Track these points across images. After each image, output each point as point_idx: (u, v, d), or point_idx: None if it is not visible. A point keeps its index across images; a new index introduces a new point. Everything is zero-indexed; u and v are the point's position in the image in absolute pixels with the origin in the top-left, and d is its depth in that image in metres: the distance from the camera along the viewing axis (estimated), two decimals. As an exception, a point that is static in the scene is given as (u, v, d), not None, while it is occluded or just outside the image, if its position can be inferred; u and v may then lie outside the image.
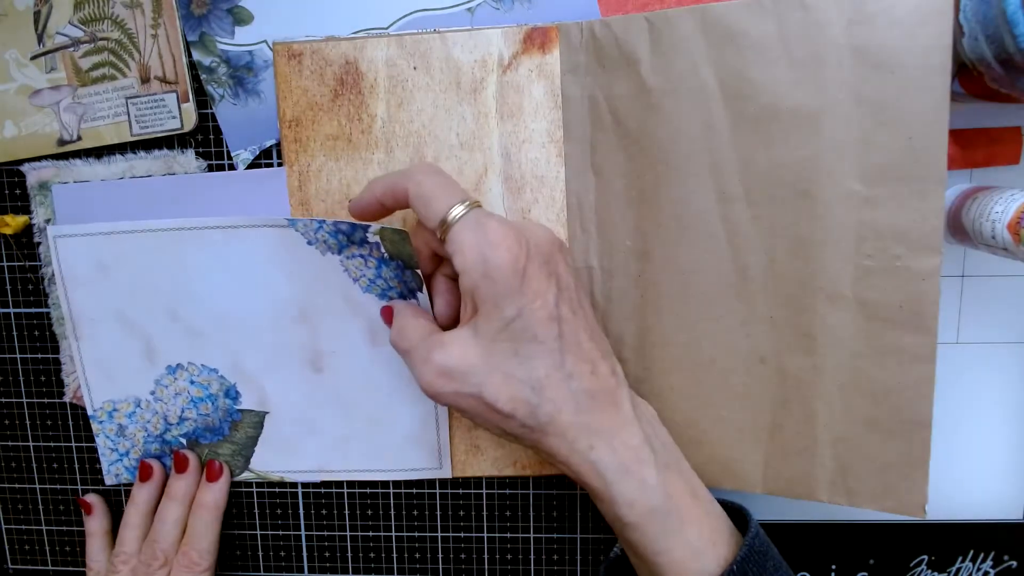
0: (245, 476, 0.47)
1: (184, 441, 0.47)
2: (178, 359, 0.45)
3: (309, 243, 0.41)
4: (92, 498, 0.48)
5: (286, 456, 0.47)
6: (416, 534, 0.49)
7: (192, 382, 0.45)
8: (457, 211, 0.34)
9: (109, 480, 0.48)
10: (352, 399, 0.45)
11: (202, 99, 0.45)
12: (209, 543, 0.46)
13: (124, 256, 0.43)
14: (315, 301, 0.43)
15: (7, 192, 0.46)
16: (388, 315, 0.39)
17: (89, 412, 0.47)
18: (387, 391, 0.45)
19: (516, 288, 0.33)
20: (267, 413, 0.46)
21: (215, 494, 0.47)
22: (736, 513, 0.37)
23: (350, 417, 0.46)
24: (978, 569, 0.47)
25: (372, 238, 0.38)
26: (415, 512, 0.49)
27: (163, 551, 0.45)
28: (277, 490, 0.49)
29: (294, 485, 0.49)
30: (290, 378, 0.45)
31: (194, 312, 0.44)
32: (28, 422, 0.49)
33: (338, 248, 0.41)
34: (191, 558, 0.45)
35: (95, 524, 0.48)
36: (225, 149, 0.45)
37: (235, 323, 0.44)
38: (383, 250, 0.39)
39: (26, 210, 0.46)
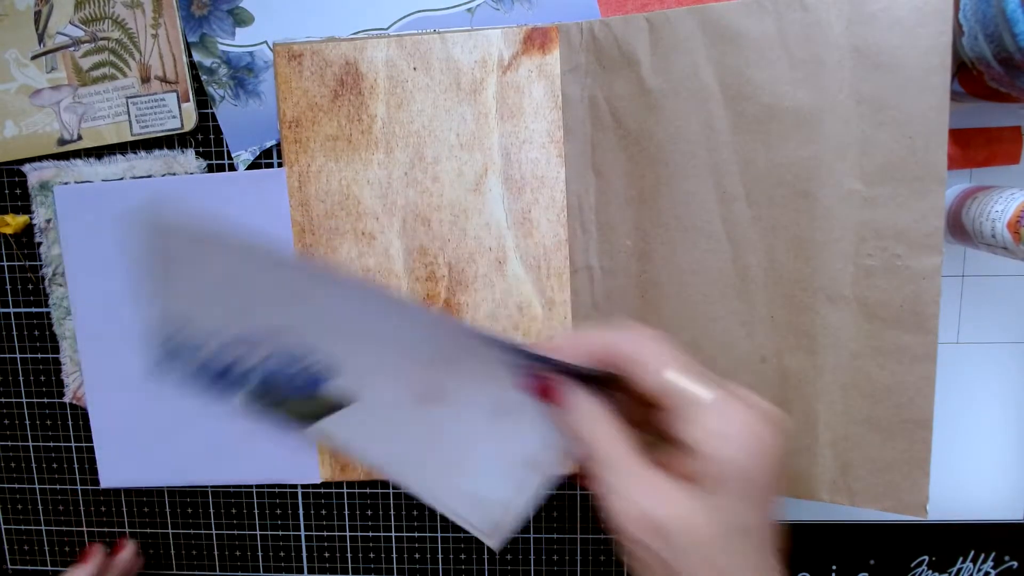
0: (312, 433, 0.44)
1: (255, 384, 0.43)
2: (283, 320, 0.41)
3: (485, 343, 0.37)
4: (96, 550, 0.49)
5: (364, 442, 0.44)
6: (416, 534, 0.49)
7: (287, 341, 0.42)
8: (705, 391, 0.30)
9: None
10: (444, 442, 0.43)
11: (202, 99, 0.45)
12: None
13: None
14: (457, 361, 0.39)
15: (7, 192, 0.47)
16: (553, 393, 0.34)
17: (152, 316, 0.42)
18: (485, 460, 0.42)
19: (770, 489, 0.29)
20: (354, 404, 0.43)
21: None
22: None
23: (432, 454, 0.43)
24: (979, 570, 0.47)
25: (576, 374, 0.35)
26: (415, 512, 0.49)
27: None
28: (277, 490, 0.49)
29: (293, 486, 0.49)
30: (391, 396, 0.42)
31: (304, 312, 0.40)
32: (28, 422, 0.49)
33: (513, 355, 0.37)
34: None
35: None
36: (225, 149, 0.45)
37: (361, 327, 0.40)
38: (586, 379, 0.35)
39: (27, 210, 0.46)
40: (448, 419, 0.42)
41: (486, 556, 0.49)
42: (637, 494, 0.30)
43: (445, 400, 0.41)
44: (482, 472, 0.42)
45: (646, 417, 0.32)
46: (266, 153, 0.45)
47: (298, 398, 0.43)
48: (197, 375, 0.43)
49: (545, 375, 0.35)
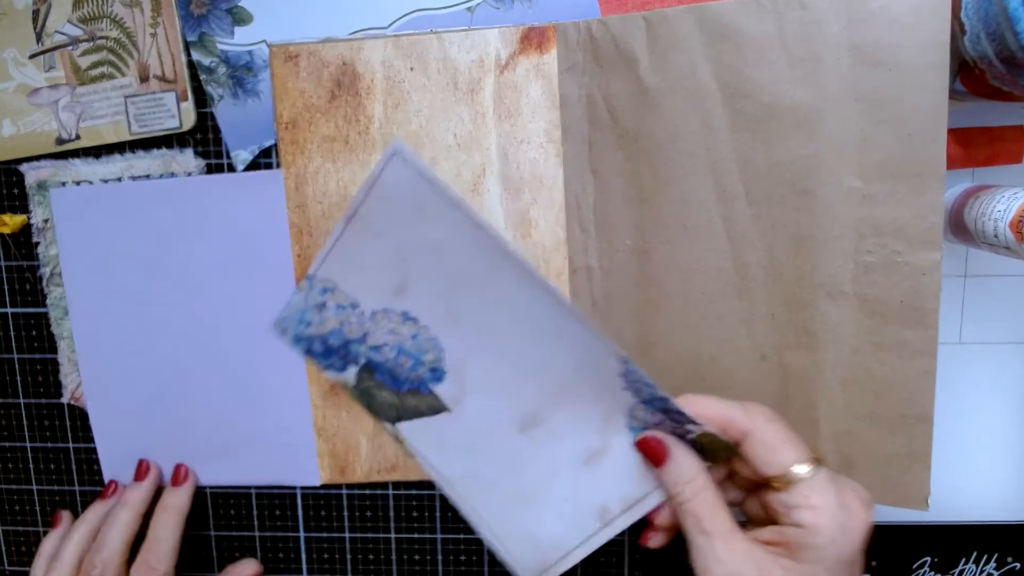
0: (388, 429, 0.44)
1: (363, 366, 0.43)
2: (414, 311, 0.41)
3: (621, 374, 0.37)
4: (64, 515, 0.48)
5: (436, 453, 0.44)
6: (415, 536, 0.49)
7: (414, 336, 0.42)
8: (803, 469, 0.32)
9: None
10: (524, 472, 0.43)
11: (201, 98, 0.45)
12: (169, 547, 0.44)
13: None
14: (578, 389, 0.39)
15: (5, 191, 0.47)
16: (661, 452, 0.36)
17: (311, 269, 0.41)
18: (559, 500, 0.41)
19: (857, 564, 0.32)
20: (448, 412, 0.43)
21: (179, 498, 0.46)
22: None
23: (507, 480, 0.43)
24: (981, 571, 0.46)
25: (690, 435, 0.36)
26: (414, 513, 0.49)
27: (102, 560, 0.43)
28: (276, 491, 0.49)
29: (293, 487, 0.49)
30: (494, 414, 0.42)
31: (464, 309, 0.40)
32: (26, 422, 0.49)
33: (643, 399, 0.37)
34: (149, 563, 0.43)
35: (50, 542, 0.46)
36: (224, 148, 0.45)
37: (489, 340, 0.40)
38: (696, 444, 0.36)
39: (24, 209, 0.47)
40: (540, 449, 0.41)
41: (486, 558, 0.49)
42: (734, 560, 0.32)
43: (546, 429, 0.41)
44: (551, 512, 0.42)
45: (735, 481, 0.35)
46: (265, 152, 0.45)
47: (396, 391, 0.43)
48: (315, 341, 0.43)
49: (660, 432, 0.36)
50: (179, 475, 0.47)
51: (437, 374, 0.42)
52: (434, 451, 0.43)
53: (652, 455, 0.36)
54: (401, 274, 0.41)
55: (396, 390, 0.43)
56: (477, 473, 0.43)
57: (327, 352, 0.43)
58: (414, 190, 0.40)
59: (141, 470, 0.47)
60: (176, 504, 0.46)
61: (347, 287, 0.42)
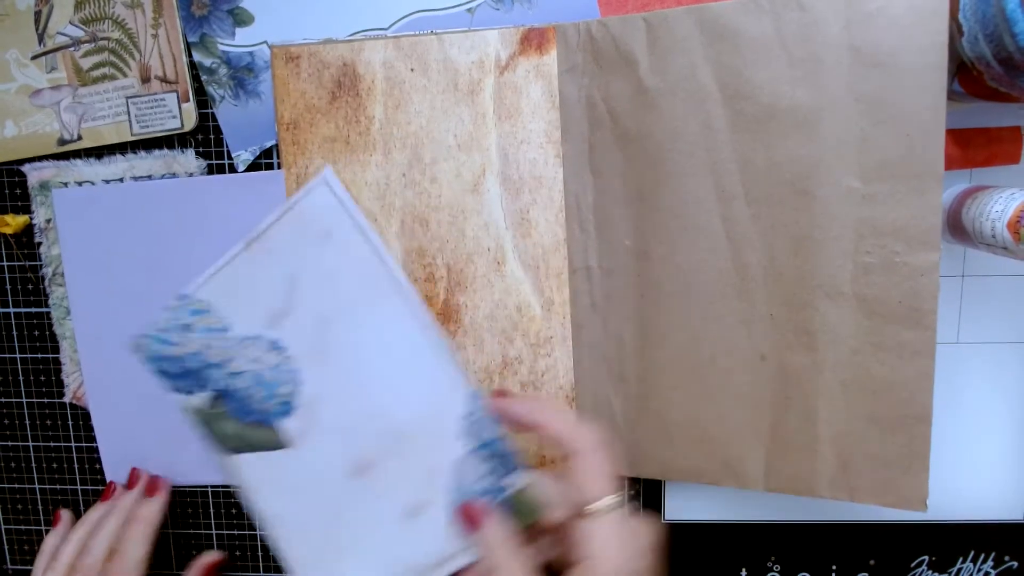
0: (221, 460, 0.45)
1: (214, 392, 0.45)
2: (284, 341, 0.43)
3: (464, 417, 0.40)
4: (64, 514, 0.48)
5: (264, 488, 0.46)
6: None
7: (275, 366, 0.44)
8: (607, 502, 0.34)
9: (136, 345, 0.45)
10: (345, 519, 0.43)
11: (202, 99, 0.45)
12: (135, 559, 0.44)
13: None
14: (413, 439, 0.42)
15: (7, 192, 0.47)
16: (476, 519, 0.38)
17: (188, 288, 0.43)
18: (374, 552, 0.43)
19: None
20: (286, 449, 0.45)
21: (150, 509, 0.46)
22: None
23: (328, 527, 0.44)
24: (979, 570, 0.46)
25: (508, 491, 0.38)
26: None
27: (87, 565, 0.43)
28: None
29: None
30: (330, 456, 0.43)
31: (334, 343, 0.43)
32: (28, 422, 0.49)
33: (476, 445, 0.40)
34: (112, 574, 0.43)
35: (51, 541, 0.46)
36: (225, 149, 0.45)
37: (347, 378, 0.43)
38: (511, 502, 0.39)
39: (27, 210, 0.47)
40: (366, 496, 0.43)
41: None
42: None
43: (374, 477, 0.43)
44: (365, 562, 0.43)
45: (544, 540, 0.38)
46: (266, 153, 0.45)
47: (240, 422, 0.44)
48: (172, 361, 0.44)
49: (476, 502, 0.39)
50: (152, 486, 0.47)
51: (286, 408, 0.44)
52: (263, 487, 0.45)
53: (468, 521, 0.38)
54: (285, 301, 0.43)
55: (241, 421, 0.44)
56: (297, 515, 0.44)
57: (182, 374, 0.44)
58: (329, 217, 0.42)
59: (132, 478, 0.47)
60: (146, 516, 0.45)
61: (223, 310, 0.43)
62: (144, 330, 0.43)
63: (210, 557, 0.48)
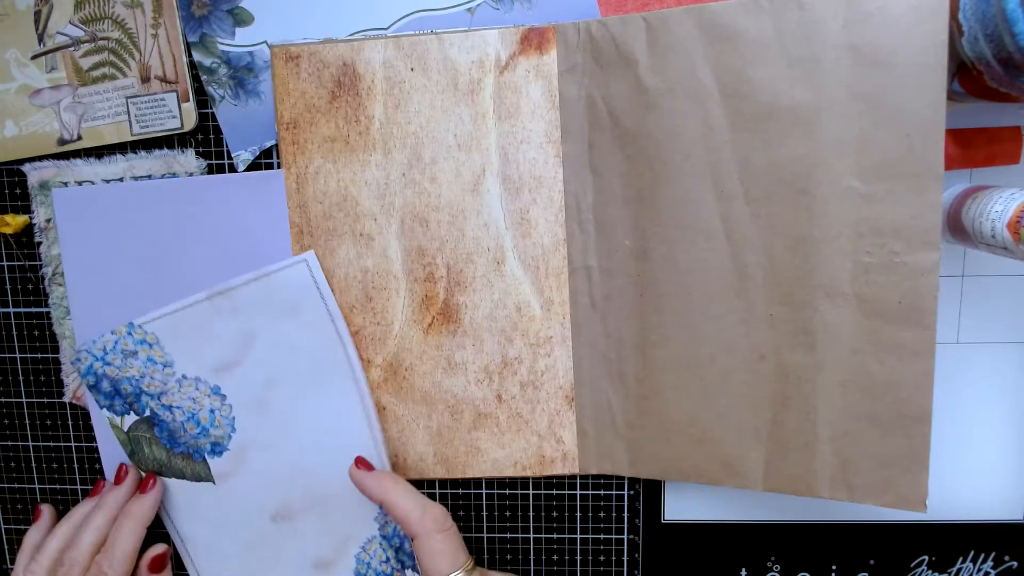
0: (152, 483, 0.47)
1: (146, 414, 0.46)
2: (226, 389, 0.45)
3: (378, 513, 0.46)
4: (44, 508, 0.48)
5: (182, 513, 0.47)
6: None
7: (212, 410, 0.45)
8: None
9: (70, 377, 0.47)
10: (259, 555, 0.47)
11: (202, 99, 0.45)
12: (123, 553, 0.44)
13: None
14: (336, 504, 0.46)
15: (7, 192, 0.47)
16: None
17: (139, 319, 0.45)
18: None
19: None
20: (211, 483, 0.46)
21: (142, 505, 0.46)
22: None
23: (245, 557, 0.47)
24: (979, 569, 0.46)
25: None
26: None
27: (72, 558, 0.43)
28: (276, 491, 0.49)
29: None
30: (254, 498, 0.46)
31: (275, 401, 0.46)
32: (28, 422, 0.49)
33: (386, 534, 0.45)
34: (101, 566, 0.43)
35: (33, 536, 0.47)
36: (225, 149, 0.45)
37: (283, 435, 0.46)
38: None
39: (27, 210, 0.47)
40: (282, 541, 0.46)
41: (485, 557, 0.49)
42: None
43: (294, 526, 0.46)
44: None
45: None
46: (266, 153, 0.45)
47: (168, 449, 0.46)
48: (107, 380, 0.45)
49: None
50: (146, 483, 0.46)
51: (217, 449, 0.46)
52: (183, 510, 0.48)
53: None
54: (236, 354, 0.46)
55: (169, 448, 0.46)
56: (216, 543, 0.48)
57: (114, 394, 0.46)
58: (301, 295, 0.44)
59: (119, 474, 0.47)
60: (137, 512, 0.45)
61: (170, 347, 0.45)
62: (86, 345, 0.45)
63: (156, 550, 0.48)
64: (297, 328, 0.44)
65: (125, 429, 0.46)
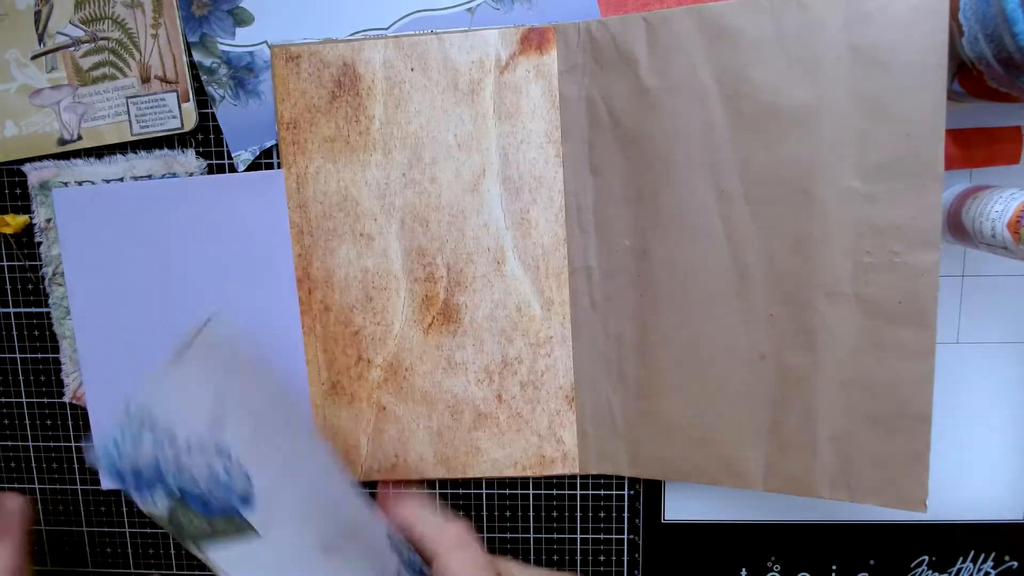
0: (199, 554, 0.46)
1: (176, 493, 0.46)
2: (227, 442, 0.45)
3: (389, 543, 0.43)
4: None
5: (247, 573, 0.47)
6: (415, 535, 0.49)
7: (226, 468, 0.45)
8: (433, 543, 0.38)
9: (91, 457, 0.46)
10: None
11: (202, 99, 0.45)
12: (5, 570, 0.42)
13: None
14: (363, 534, 0.45)
15: (7, 192, 0.47)
16: None
17: (131, 402, 0.45)
18: None
19: None
20: (257, 535, 0.46)
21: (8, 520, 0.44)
22: None
23: None
24: (979, 570, 0.46)
25: None
26: (414, 513, 0.49)
27: None
28: (276, 491, 0.49)
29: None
30: (300, 538, 0.44)
31: (270, 444, 0.45)
32: (28, 422, 0.49)
33: (403, 561, 0.43)
34: None
35: None
36: (225, 149, 0.45)
37: (291, 474, 0.45)
38: None
39: (27, 210, 0.47)
40: (338, 573, 0.44)
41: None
42: None
43: (343, 558, 0.44)
44: None
45: None
46: (266, 153, 0.45)
47: (207, 516, 0.45)
48: (130, 472, 0.45)
49: None
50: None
51: (248, 501, 0.45)
52: (244, 572, 0.46)
53: None
54: (218, 406, 0.44)
55: (208, 516, 0.45)
56: None
57: (141, 484, 0.45)
58: (228, 346, 0.43)
59: None
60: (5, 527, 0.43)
61: (164, 417, 0.44)
62: (98, 441, 0.46)
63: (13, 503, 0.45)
64: (242, 379, 0.44)
65: (167, 515, 0.46)
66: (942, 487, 0.45)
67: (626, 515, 0.48)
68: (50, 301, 0.47)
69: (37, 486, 0.50)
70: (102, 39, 0.44)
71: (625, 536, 0.48)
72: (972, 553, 0.46)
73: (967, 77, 0.36)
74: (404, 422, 0.46)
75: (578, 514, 0.48)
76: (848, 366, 0.38)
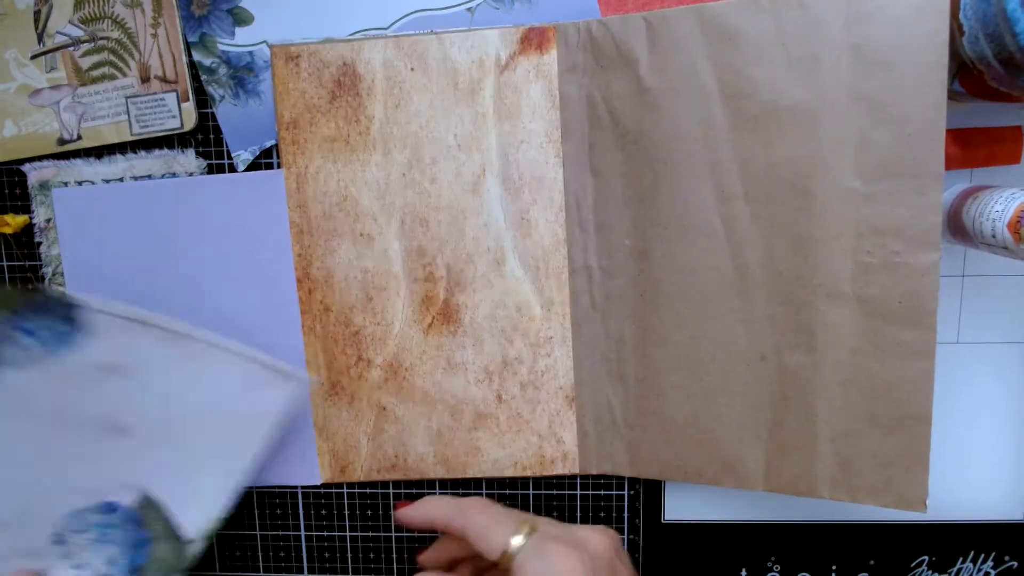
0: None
1: (132, 569, 0.44)
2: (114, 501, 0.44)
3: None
4: None
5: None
6: (416, 535, 0.49)
7: (118, 524, 0.44)
8: (517, 541, 0.35)
9: None
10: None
11: (202, 98, 0.45)
12: None
13: None
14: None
15: (7, 192, 0.47)
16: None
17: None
18: None
19: None
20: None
21: None
22: None
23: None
24: (979, 570, 0.46)
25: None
26: (414, 513, 0.49)
27: None
28: (277, 491, 0.49)
29: (293, 487, 0.49)
30: None
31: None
32: (28, 422, 0.49)
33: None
34: None
35: None
36: (225, 149, 0.45)
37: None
38: None
39: (26, 210, 0.47)
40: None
41: (485, 557, 0.49)
42: None
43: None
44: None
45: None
46: (266, 153, 0.45)
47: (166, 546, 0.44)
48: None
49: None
50: None
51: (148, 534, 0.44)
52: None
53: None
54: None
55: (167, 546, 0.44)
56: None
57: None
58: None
59: None
60: None
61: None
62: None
63: None
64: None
65: None
66: (942, 487, 0.45)
67: (626, 515, 0.48)
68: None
69: (37, 486, 0.50)
70: (102, 39, 0.44)
71: (625, 536, 0.48)
72: (972, 553, 0.46)
73: (967, 77, 0.36)
74: (404, 422, 0.46)
75: (578, 514, 0.48)
76: (848, 366, 0.38)
